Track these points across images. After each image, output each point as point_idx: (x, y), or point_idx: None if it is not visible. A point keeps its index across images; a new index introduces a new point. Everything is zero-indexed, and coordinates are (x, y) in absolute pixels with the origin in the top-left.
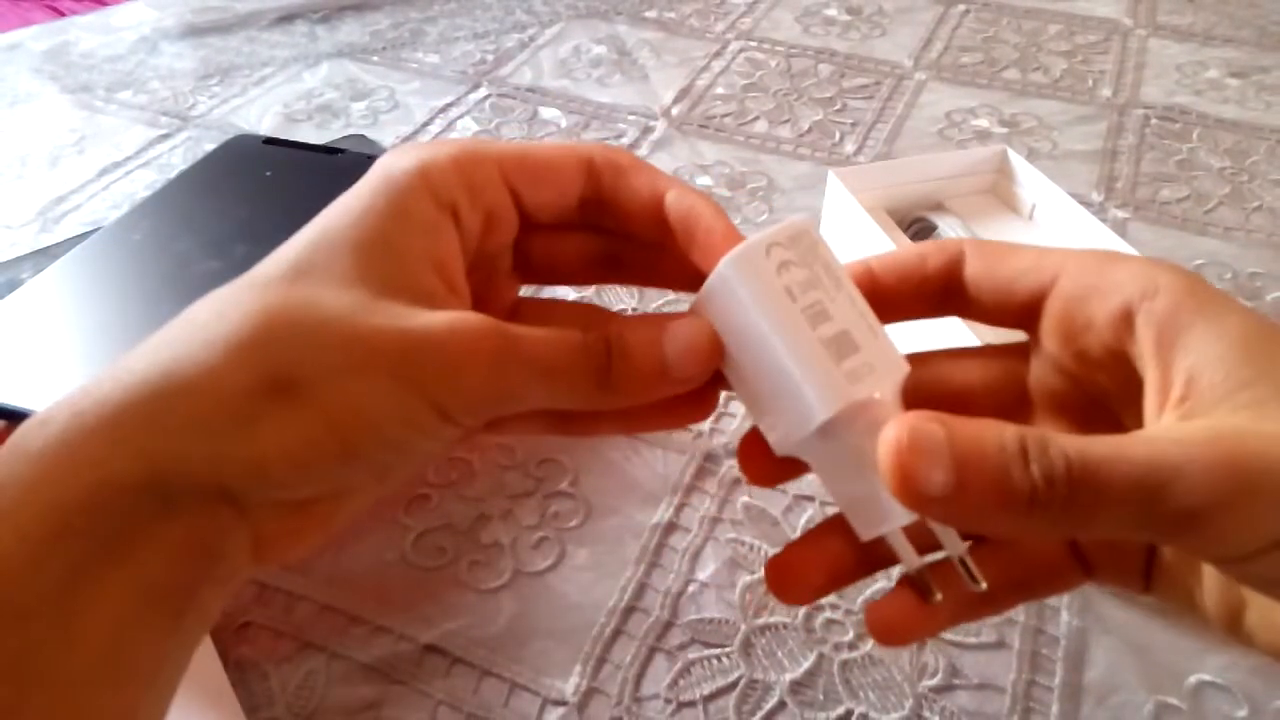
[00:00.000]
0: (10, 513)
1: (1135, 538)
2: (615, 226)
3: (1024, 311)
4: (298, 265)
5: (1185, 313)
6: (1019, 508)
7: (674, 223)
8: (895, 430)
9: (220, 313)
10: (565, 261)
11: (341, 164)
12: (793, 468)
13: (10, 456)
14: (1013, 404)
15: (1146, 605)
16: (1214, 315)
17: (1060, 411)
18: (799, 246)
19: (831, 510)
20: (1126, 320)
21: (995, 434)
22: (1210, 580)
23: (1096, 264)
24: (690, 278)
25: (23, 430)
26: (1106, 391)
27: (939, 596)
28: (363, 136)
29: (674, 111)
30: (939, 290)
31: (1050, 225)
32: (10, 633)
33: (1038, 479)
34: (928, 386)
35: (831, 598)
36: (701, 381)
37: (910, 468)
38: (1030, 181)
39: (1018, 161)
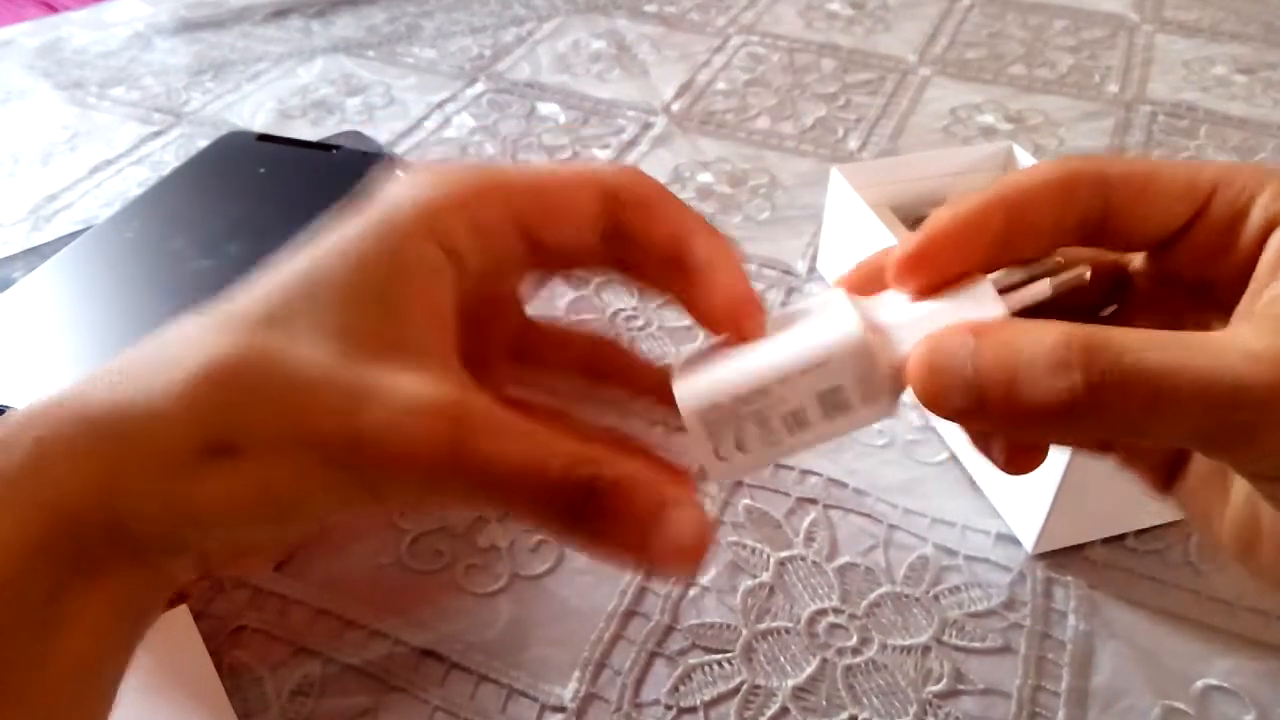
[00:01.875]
0: None
1: (1181, 445)
2: (634, 263)
3: (1169, 236)
4: (273, 309)
5: None
6: (1057, 417)
7: (692, 268)
8: (923, 345)
9: (181, 356)
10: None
11: (336, 160)
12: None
13: None
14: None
15: (1153, 608)
16: None
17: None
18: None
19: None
20: (1265, 238)
21: (1034, 339)
22: (1235, 507)
23: (1246, 184)
24: (711, 320)
25: None
26: (1212, 313)
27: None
28: (358, 133)
29: (674, 107)
30: (1079, 219)
31: None
32: None
33: (1080, 389)
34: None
35: (834, 601)
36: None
37: (934, 382)
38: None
39: (1024, 158)
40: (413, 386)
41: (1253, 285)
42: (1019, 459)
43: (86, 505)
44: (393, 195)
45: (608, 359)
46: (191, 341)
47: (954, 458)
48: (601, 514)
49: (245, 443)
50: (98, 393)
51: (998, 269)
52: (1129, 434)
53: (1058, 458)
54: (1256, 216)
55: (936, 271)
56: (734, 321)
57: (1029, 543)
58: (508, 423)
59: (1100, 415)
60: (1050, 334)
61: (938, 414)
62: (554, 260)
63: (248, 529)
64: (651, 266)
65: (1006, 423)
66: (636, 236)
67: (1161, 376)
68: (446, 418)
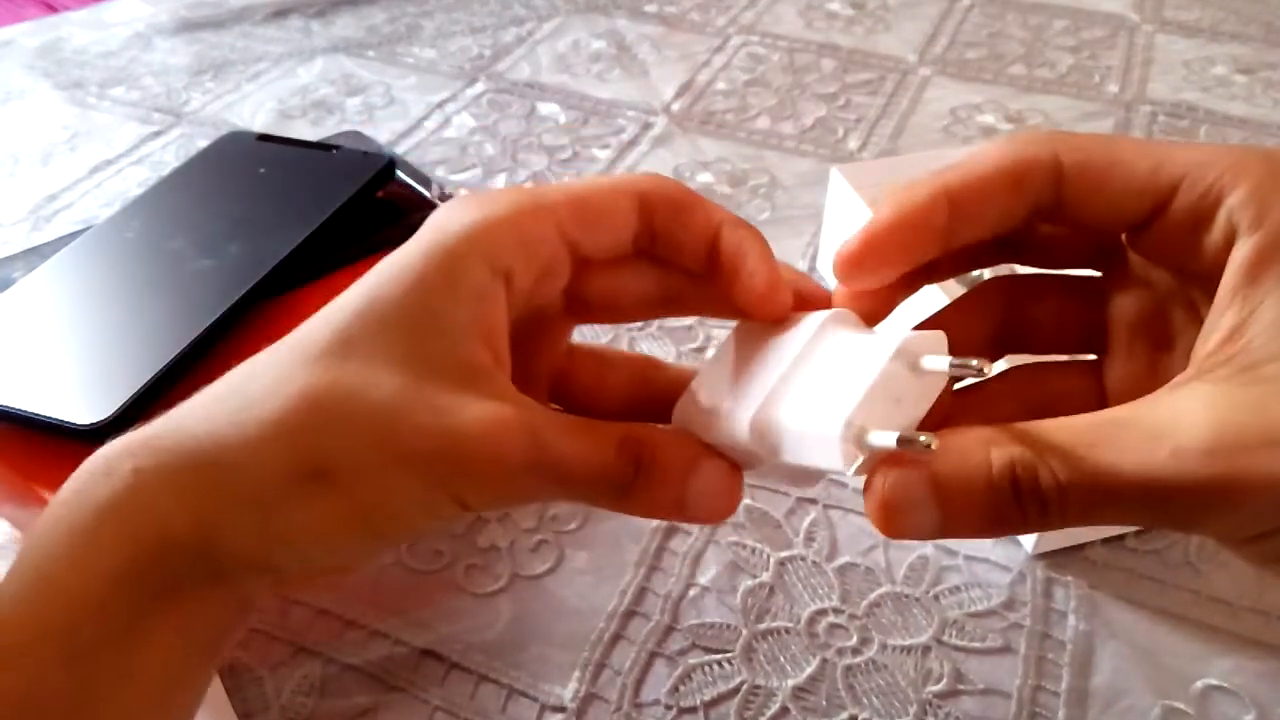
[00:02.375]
0: (80, 560)
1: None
2: (670, 259)
3: (1130, 229)
4: (346, 339)
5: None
6: (1014, 529)
7: (724, 260)
8: (879, 483)
9: (272, 389)
10: (620, 298)
11: (336, 160)
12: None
13: (77, 503)
14: (1088, 328)
15: (1153, 608)
16: None
17: (1142, 328)
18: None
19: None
20: (1229, 249)
21: (982, 469)
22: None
23: (1215, 179)
24: (747, 302)
25: (86, 477)
26: (1196, 303)
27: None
28: (358, 133)
29: (674, 107)
30: (1028, 210)
31: None
32: (79, 667)
33: (1029, 509)
34: (1009, 323)
35: (834, 601)
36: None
37: (899, 520)
38: None
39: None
40: (484, 402)
41: (1215, 305)
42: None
43: (181, 534)
44: (447, 218)
45: (649, 379)
46: (279, 376)
47: None
48: (648, 477)
49: (338, 467)
50: (194, 424)
51: (939, 256)
52: (1081, 526)
53: None
54: (1221, 221)
55: (878, 270)
56: (769, 304)
57: (1028, 543)
58: (568, 422)
59: (1049, 523)
60: (995, 456)
61: (903, 535)
62: (595, 259)
63: (340, 548)
64: (687, 259)
65: (970, 535)
66: (671, 232)
67: (1097, 481)
68: (523, 425)
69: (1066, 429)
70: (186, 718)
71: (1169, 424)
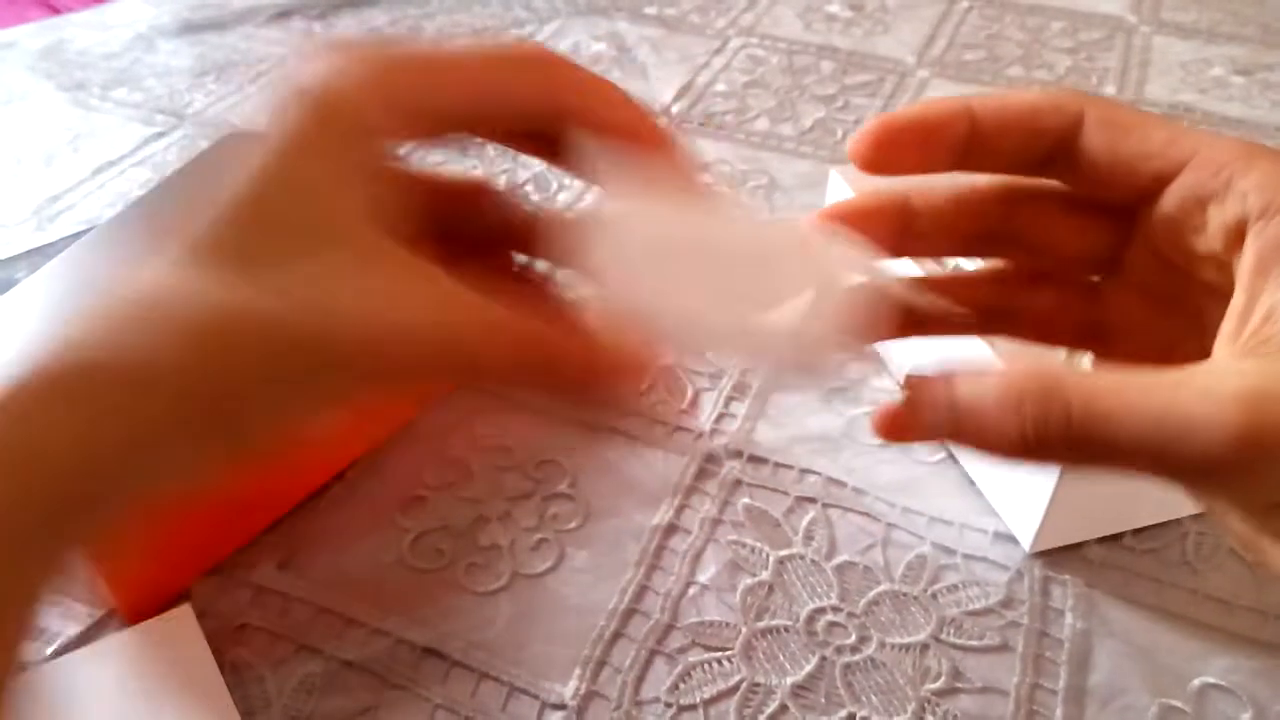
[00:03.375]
0: None
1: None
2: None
3: (1137, 196)
4: (221, 243)
5: None
6: (1016, 454)
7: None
8: (907, 387)
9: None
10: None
11: None
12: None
13: None
14: (1085, 325)
15: (1150, 607)
16: None
17: (1144, 325)
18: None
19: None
20: (1239, 233)
21: (998, 388)
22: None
23: (1227, 162)
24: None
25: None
26: (1200, 296)
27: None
28: None
29: (674, 109)
30: (1045, 151)
31: None
32: None
33: (1029, 433)
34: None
35: (833, 599)
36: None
37: (907, 423)
38: None
39: None
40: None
41: (1237, 295)
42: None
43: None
44: (310, 97)
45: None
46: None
47: (951, 457)
48: (553, 365)
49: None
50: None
51: (948, 171)
52: (1090, 468)
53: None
54: (1231, 206)
55: (890, 159)
56: (639, 132)
57: (1026, 541)
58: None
59: (1054, 454)
60: (1011, 379)
61: (914, 438)
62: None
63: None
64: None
65: (975, 449)
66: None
67: (1109, 417)
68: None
69: (1089, 372)
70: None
71: (1198, 376)
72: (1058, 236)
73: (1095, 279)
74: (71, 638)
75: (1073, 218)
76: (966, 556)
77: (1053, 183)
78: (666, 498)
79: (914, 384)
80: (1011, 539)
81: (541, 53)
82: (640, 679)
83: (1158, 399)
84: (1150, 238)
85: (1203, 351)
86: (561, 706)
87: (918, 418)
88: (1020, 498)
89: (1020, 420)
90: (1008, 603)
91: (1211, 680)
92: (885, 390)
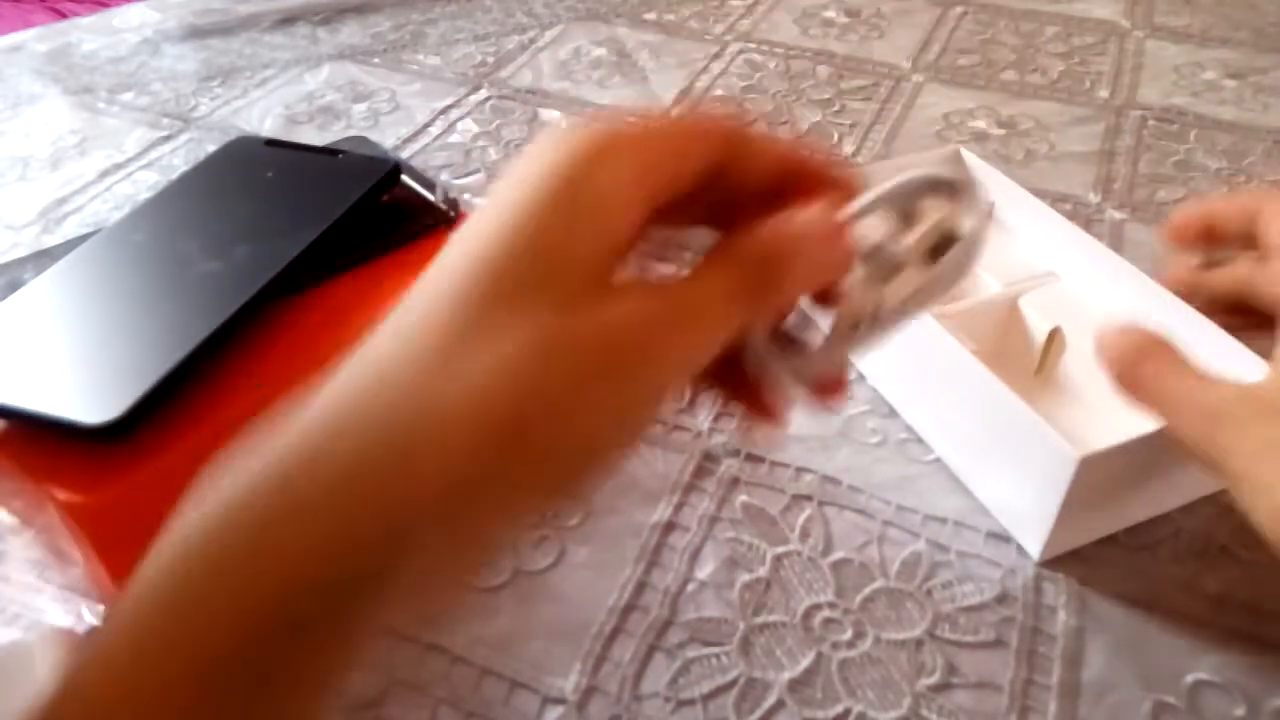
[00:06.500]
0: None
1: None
2: (736, 187)
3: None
4: (490, 291)
5: None
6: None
7: (794, 165)
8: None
9: (415, 379)
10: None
11: (342, 165)
12: None
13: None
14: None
15: (1143, 604)
16: None
17: None
18: None
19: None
20: None
21: (1128, 336)
22: None
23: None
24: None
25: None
26: None
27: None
28: (364, 138)
29: (673, 113)
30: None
31: (1012, 222)
32: None
33: (1123, 375)
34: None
35: (829, 595)
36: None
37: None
38: (989, 180)
39: (972, 160)
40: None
41: None
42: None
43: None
44: (561, 150)
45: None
46: (418, 364)
47: (941, 459)
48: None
49: (536, 417)
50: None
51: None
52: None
53: (1060, 473)
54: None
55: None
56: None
57: (1035, 550)
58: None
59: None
60: (1131, 336)
61: (1126, 378)
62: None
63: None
64: (750, 184)
65: (1132, 394)
66: (743, 157)
67: (1169, 402)
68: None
69: (1187, 372)
70: None
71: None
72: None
73: None
74: (74, 633)
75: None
76: (960, 554)
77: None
78: (665, 495)
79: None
80: (1005, 537)
81: (714, 120)
82: (640, 674)
83: (1207, 397)
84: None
85: None
86: (562, 701)
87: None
88: (1025, 508)
89: (1119, 367)
90: (1002, 599)
91: (1204, 676)
92: (873, 392)
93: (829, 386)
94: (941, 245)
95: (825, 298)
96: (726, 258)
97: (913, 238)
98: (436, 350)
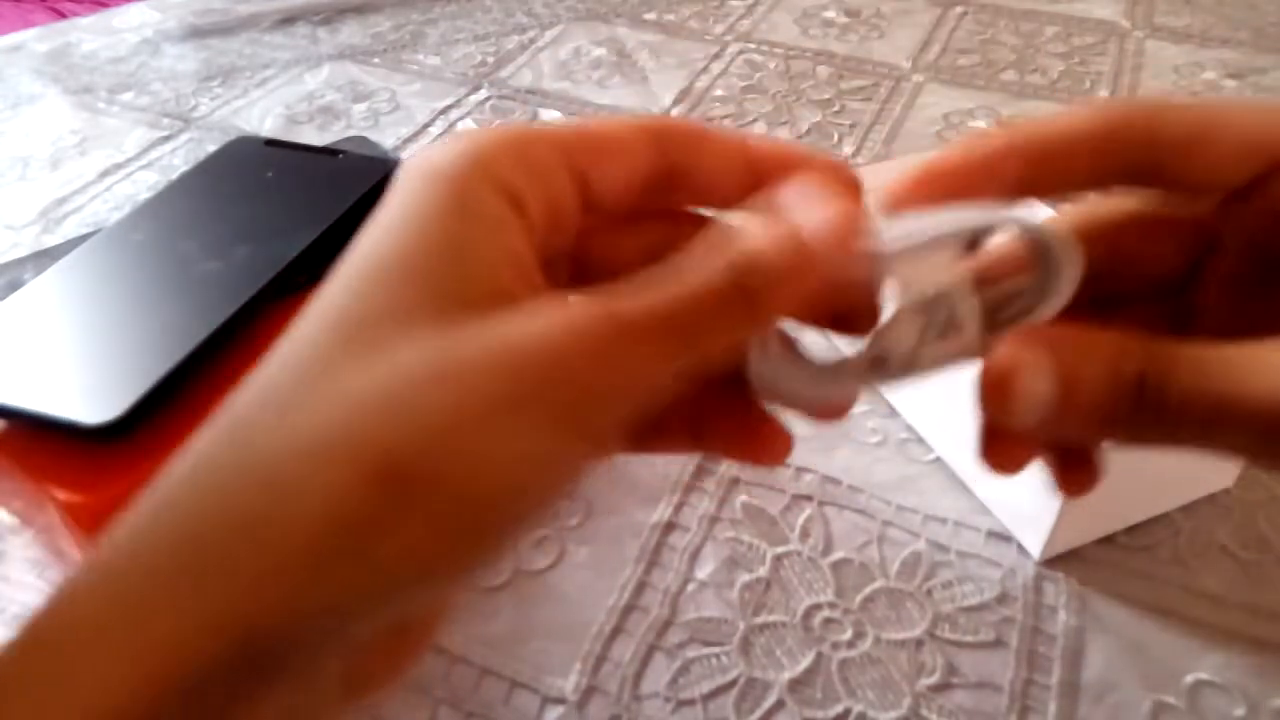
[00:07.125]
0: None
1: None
2: (692, 196)
3: (1232, 191)
4: (367, 316)
5: None
6: (1118, 434)
7: (768, 164)
8: (1007, 354)
9: (294, 401)
10: (629, 257)
11: (342, 165)
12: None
13: (22, 656)
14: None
15: (1143, 604)
16: None
17: (1231, 299)
18: None
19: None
20: None
21: (1110, 362)
22: None
23: None
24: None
25: (32, 620)
26: None
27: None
28: (364, 138)
29: (673, 113)
30: (1119, 172)
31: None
32: None
33: (1146, 414)
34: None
35: (829, 595)
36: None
37: (1011, 393)
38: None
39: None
40: (543, 312)
41: None
42: (1073, 480)
43: (207, 643)
44: (433, 156)
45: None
46: (303, 382)
47: (942, 459)
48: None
49: (413, 458)
50: (183, 499)
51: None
52: (1186, 447)
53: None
54: None
55: (930, 204)
56: (838, 177)
57: (1035, 550)
58: (634, 294)
59: (1159, 435)
60: (1128, 355)
61: (1005, 417)
62: (604, 202)
63: (438, 573)
64: (715, 190)
65: (1070, 428)
66: (694, 163)
67: (1220, 400)
68: (599, 306)
69: (1196, 349)
70: None
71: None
72: (1145, 253)
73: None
74: None
75: (1156, 231)
76: (960, 554)
77: (1129, 204)
78: (666, 495)
79: (1012, 355)
80: (1005, 537)
81: (699, 126)
82: (640, 674)
83: (1260, 380)
84: (1245, 226)
85: None
86: (562, 701)
87: (1016, 384)
88: (1025, 507)
89: (1136, 408)
90: (1002, 599)
91: (1205, 676)
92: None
93: (833, 411)
94: (1003, 305)
95: (849, 324)
96: (697, 261)
97: (978, 299)
98: (301, 381)
